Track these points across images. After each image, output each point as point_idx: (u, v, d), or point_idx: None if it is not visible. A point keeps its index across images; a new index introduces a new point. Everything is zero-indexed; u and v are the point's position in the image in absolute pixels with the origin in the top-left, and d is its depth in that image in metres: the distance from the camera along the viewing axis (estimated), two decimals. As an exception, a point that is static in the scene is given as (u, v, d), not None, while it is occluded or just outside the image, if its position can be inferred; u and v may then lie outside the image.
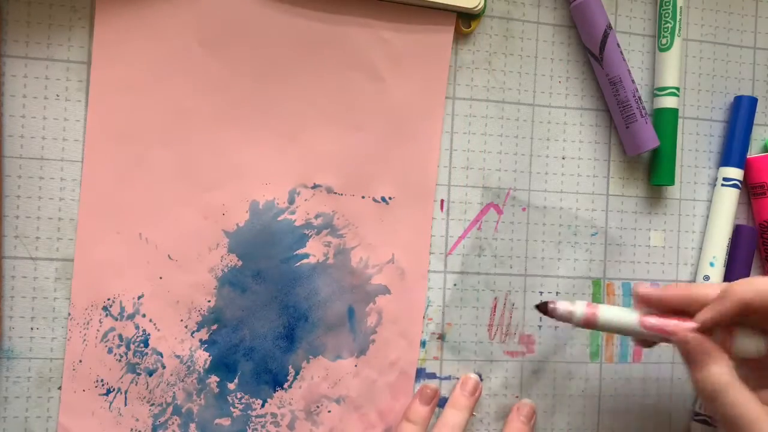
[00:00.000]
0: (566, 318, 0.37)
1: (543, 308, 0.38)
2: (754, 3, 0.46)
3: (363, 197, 0.41)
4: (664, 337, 0.35)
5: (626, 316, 0.36)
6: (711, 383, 0.33)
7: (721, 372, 0.32)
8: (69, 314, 0.38)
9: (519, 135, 0.43)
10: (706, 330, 0.34)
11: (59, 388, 0.38)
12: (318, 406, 0.40)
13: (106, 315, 0.38)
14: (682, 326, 0.34)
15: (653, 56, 0.45)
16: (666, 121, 0.43)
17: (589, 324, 0.37)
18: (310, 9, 0.40)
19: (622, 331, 0.37)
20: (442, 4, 0.40)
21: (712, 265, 0.44)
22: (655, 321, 0.35)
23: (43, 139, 0.38)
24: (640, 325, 0.36)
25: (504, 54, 0.43)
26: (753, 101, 0.45)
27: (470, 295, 0.42)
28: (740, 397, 0.32)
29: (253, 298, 0.40)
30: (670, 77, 0.43)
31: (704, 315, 0.33)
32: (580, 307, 0.37)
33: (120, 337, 0.38)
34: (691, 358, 0.34)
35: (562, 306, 0.37)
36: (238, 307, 0.39)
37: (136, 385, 0.38)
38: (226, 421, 0.39)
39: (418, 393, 0.40)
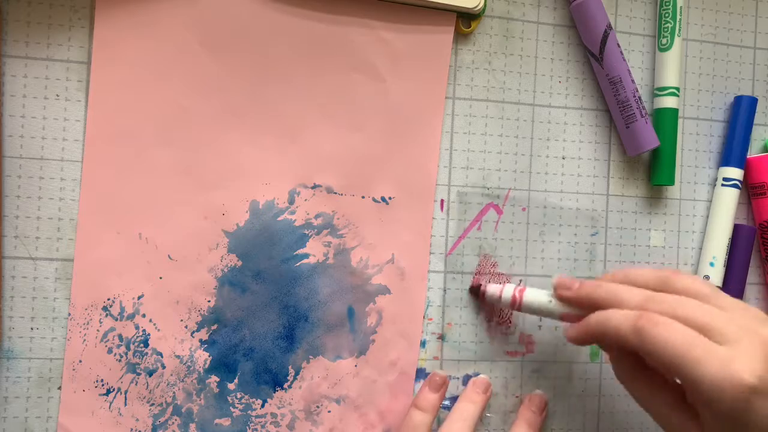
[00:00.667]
0: (494, 300, 0.40)
1: (475, 291, 0.42)
2: (754, 3, 0.46)
3: (363, 197, 0.41)
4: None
5: (548, 304, 0.38)
6: (619, 379, 0.37)
7: (621, 369, 0.37)
8: (69, 314, 0.38)
9: (519, 135, 0.43)
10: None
11: (59, 388, 0.38)
12: (318, 406, 0.40)
13: (106, 315, 0.38)
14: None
15: (653, 56, 0.45)
16: (666, 121, 0.43)
17: (515, 306, 0.39)
18: (310, 9, 0.40)
19: (546, 316, 0.39)
20: (442, 4, 0.40)
21: (712, 265, 0.44)
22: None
23: (43, 139, 0.38)
24: (559, 318, 0.38)
25: (504, 54, 0.43)
26: (753, 101, 0.45)
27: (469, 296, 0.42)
28: (642, 395, 0.36)
29: (253, 298, 0.40)
30: (670, 77, 0.43)
31: (571, 332, 0.37)
32: (508, 290, 0.40)
33: (120, 337, 0.38)
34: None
35: (491, 288, 0.40)
36: (238, 307, 0.39)
37: (136, 385, 0.38)
38: (226, 421, 0.39)
39: (427, 381, 0.41)
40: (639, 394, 0.36)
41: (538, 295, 0.39)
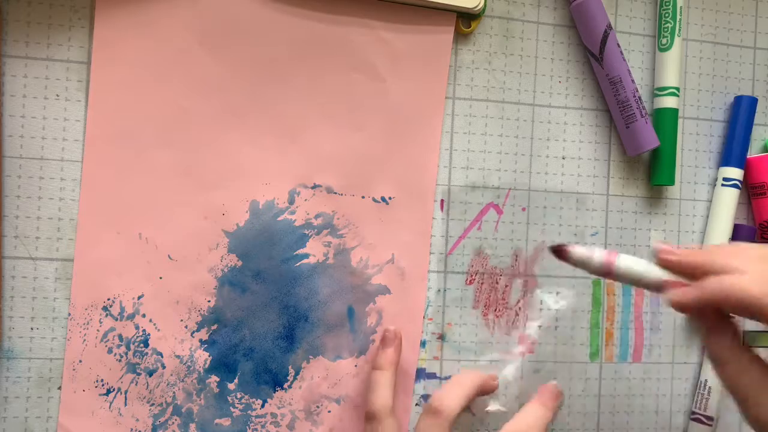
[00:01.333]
0: (582, 263, 0.35)
1: (558, 251, 0.36)
2: (754, 3, 0.46)
3: (363, 197, 0.41)
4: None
5: (645, 269, 0.35)
6: (712, 354, 0.34)
7: (719, 344, 0.34)
8: (69, 314, 0.38)
9: (519, 135, 0.43)
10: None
11: (59, 388, 0.38)
12: (318, 406, 0.40)
13: (106, 315, 0.38)
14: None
15: (653, 56, 0.45)
16: (666, 121, 0.43)
17: (607, 271, 0.35)
18: (310, 9, 0.40)
19: (640, 284, 0.35)
20: (442, 4, 0.40)
21: (712, 265, 0.44)
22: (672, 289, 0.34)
23: (43, 139, 0.38)
24: (655, 287, 0.35)
25: (504, 54, 0.43)
26: (753, 101, 0.45)
27: (470, 295, 0.42)
28: (735, 371, 0.33)
29: (253, 298, 0.40)
30: (670, 77, 0.43)
31: (679, 296, 0.34)
32: (598, 254, 0.35)
33: (120, 337, 0.38)
34: (699, 326, 0.36)
35: (578, 250, 0.35)
36: (238, 307, 0.39)
37: (136, 385, 0.38)
38: (226, 421, 0.39)
39: (380, 339, 0.40)
40: (733, 373, 0.34)
41: (634, 260, 0.35)
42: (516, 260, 0.43)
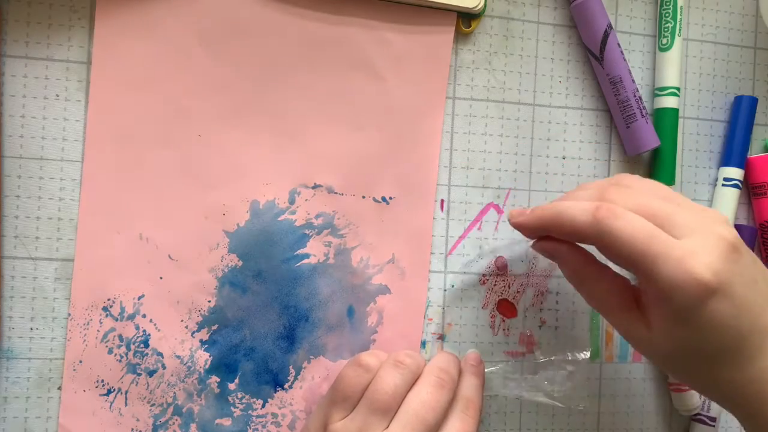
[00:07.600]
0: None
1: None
2: (754, 3, 0.46)
3: (363, 197, 0.41)
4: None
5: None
6: (566, 277, 0.37)
7: (564, 271, 0.37)
8: (69, 314, 0.38)
9: (519, 135, 0.43)
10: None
11: (59, 388, 0.38)
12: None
13: (106, 315, 0.38)
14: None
15: (653, 56, 0.45)
16: (666, 121, 0.43)
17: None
18: (311, 9, 0.40)
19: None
20: (443, 4, 0.40)
21: (712, 265, 0.44)
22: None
23: (43, 139, 0.38)
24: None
25: (504, 54, 0.43)
26: (753, 101, 0.45)
27: (470, 295, 0.42)
28: (584, 292, 0.36)
29: (253, 298, 0.40)
30: (670, 77, 0.43)
31: (521, 218, 0.36)
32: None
33: (120, 337, 0.38)
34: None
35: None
36: (239, 308, 0.39)
37: (136, 385, 0.38)
38: (226, 421, 0.39)
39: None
40: (589, 295, 0.35)
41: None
42: (532, 267, 0.43)
